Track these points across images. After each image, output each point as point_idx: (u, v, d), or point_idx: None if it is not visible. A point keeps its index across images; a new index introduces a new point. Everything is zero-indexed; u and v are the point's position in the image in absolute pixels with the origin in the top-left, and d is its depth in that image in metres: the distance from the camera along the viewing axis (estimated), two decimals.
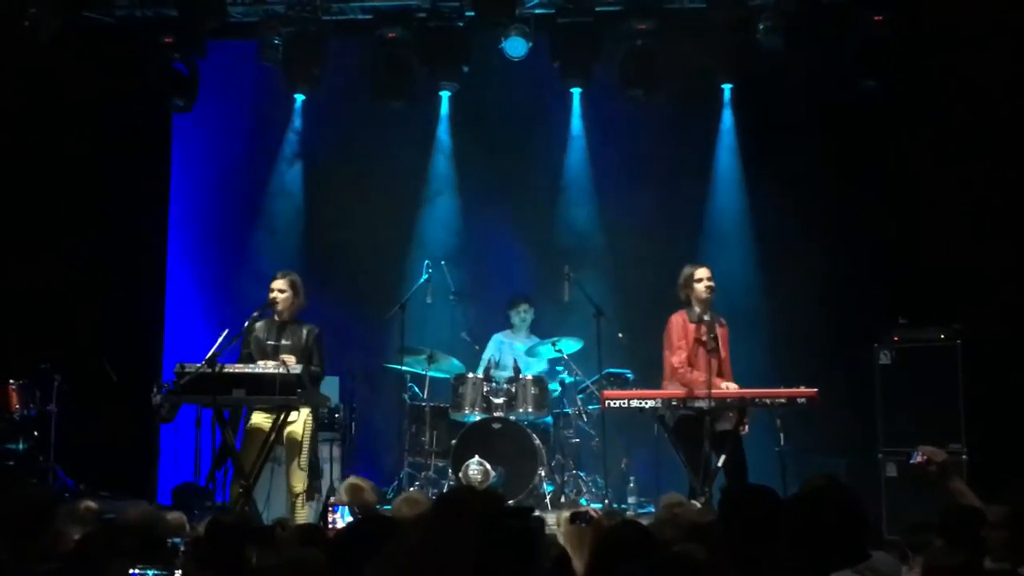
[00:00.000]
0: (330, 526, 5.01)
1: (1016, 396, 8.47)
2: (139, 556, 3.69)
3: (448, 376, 9.57)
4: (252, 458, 7.44)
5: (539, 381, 9.27)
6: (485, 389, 9.20)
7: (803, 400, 7.49)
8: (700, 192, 10.51)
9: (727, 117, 10.48)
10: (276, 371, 7.38)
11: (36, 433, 9.30)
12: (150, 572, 3.28)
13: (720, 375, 7.71)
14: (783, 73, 10.00)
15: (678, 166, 10.36)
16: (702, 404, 7.46)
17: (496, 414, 9.09)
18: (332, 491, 8.11)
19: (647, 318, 9.27)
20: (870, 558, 3.48)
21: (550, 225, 10.72)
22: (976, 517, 4.34)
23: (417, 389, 9.60)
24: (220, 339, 7.35)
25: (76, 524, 4.64)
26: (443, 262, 9.82)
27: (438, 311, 9.92)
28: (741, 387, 7.77)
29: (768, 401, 7.55)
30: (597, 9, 10.03)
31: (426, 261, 9.63)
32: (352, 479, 6.60)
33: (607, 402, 7.90)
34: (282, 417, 7.46)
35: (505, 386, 9.21)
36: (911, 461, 5.09)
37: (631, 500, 9.13)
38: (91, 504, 5.47)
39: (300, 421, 7.69)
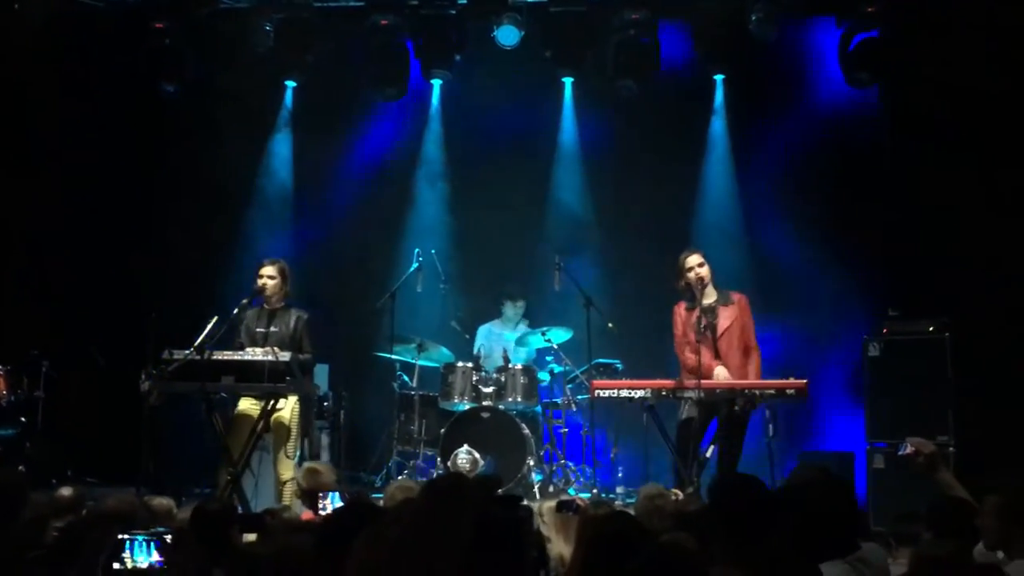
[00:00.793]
0: (320, 512, 5.01)
1: (1004, 389, 8.50)
2: (125, 527, 3.67)
3: (437, 365, 9.56)
4: (240, 445, 7.41)
5: (528, 370, 9.27)
6: (474, 378, 9.20)
7: (792, 391, 7.49)
8: (691, 182, 10.50)
9: (719, 107, 10.47)
10: (265, 358, 7.35)
11: (23, 419, 9.26)
12: (140, 537, 3.26)
13: (722, 356, 7.70)
14: (775, 63, 10.00)
15: (670, 156, 10.35)
16: (691, 394, 7.46)
17: (485, 403, 9.09)
18: None
19: (637, 308, 9.30)
20: (860, 549, 3.49)
21: (541, 214, 10.71)
22: (965, 509, 4.35)
23: (407, 378, 9.59)
24: (209, 326, 7.33)
25: (58, 511, 4.63)
26: (433, 251, 9.81)
27: (428, 300, 9.90)
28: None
29: (758, 392, 7.54)
30: None
31: (416, 250, 9.61)
32: (308, 464, 6.62)
33: (596, 391, 7.90)
34: (270, 404, 7.43)
35: (494, 375, 9.21)
36: (900, 453, 5.09)
37: (619, 489, 9.15)
38: (73, 490, 5.45)
39: (288, 408, 7.67)
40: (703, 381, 7.43)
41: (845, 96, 9.94)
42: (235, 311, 7.66)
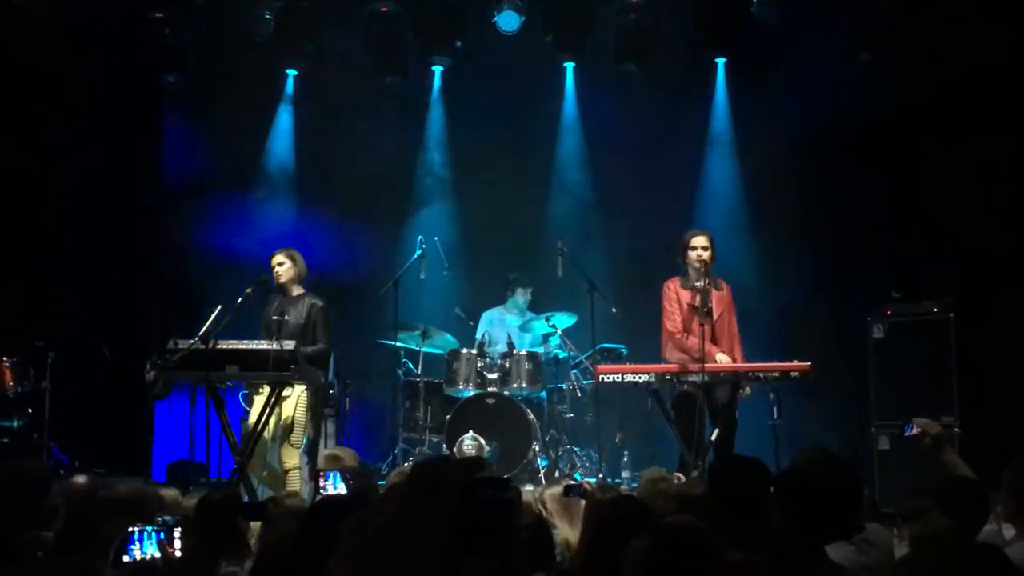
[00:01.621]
0: (321, 492, 5.01)
1: (1008, 369, 8.50)
2: (135, 518, 3.69)
3: (442, 352, 9.57)
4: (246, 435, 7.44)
5: (533, 356, 9.28)
6: (479, 364, 9.21)
7: (796, 374, 7.48)
8: (694, 166, 10.50)
9: (720, 91, 10.45)
10: (270, 347, 7.37)
11: (30, 410, 9.27)
12: (148, 528, 3.28)
13: (716, 341, 7.70)
14: (777, 46, 9.97)
15: (672, 140, 10.35)
16: (695, 378, 7.46)
17: (490, 389, 9.09)
18: None
19: (641, 292, 9.29)
20: (864, 530, 3.49)
21: (544, 200, 10.72)
22: (972, 488, 4.36)
23: (411, 365, 9.61)
24: (214, 315, 7.35)
25: (69, 501, 4.64)
26: (436, 238, 9.81)
27: (432, 287, 9.91)
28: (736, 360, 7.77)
29: (761, 375, 7.55)
30: None
31: (419, 237, 9.61)
32: (328, 450, 6.62)
33: (601, 376, 7.91)
34: (276, 393, 7.44)
35: (499, 361, 9.21)
36: (905, 434, 5.09)
37: (625, 474, 9.15)
38: (85, 480, 5.47)
39: (294, 397, 7.69)
40: (707, 365, 7.42)
41: (846, 77, 9.91)
42: (239, 300, 7.67)
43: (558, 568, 3.93)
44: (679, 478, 5.47)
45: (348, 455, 6.42)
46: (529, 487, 8.38)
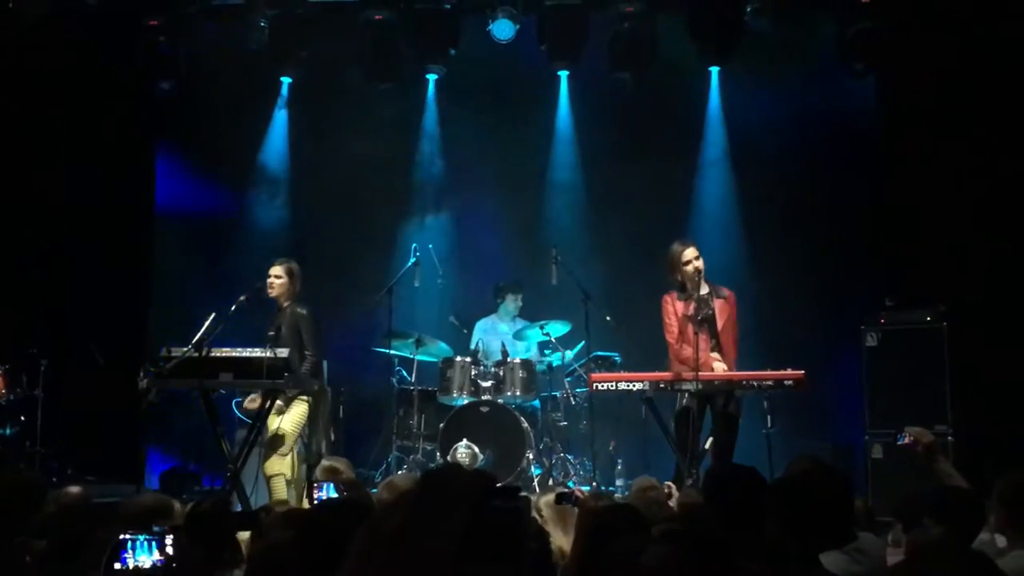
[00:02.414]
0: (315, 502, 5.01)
1: (1001, 378, 8.51)
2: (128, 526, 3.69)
3: (436, 360, 9.56)
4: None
5: (527, 364, 9.27)
6: (473, 372, 9.21)
7: (790, 382, 7.48)
8: (688, 175, 10.51)
9: (714, 99, 10.46)
10: (263, 355, 7.36)
11: (23, 418, 9.26)
12: (141, 537, 3.27)
13: (716, 350, 7.70)
14: (770, 56, 10.00)
15: (666, 149, 10.35)
16: (689, 387, 7.47)
17: (484, 397, 9.10)
18: None
19: (635, 301, 9.29)
20: (857, 539, 3.50)
21: (538, 208, 10.72)
22: (966, 498, 4.36)
23: (405, 373, 9.60)
24: (207, 323, 7.34)
25: (62, 510, 4.64)
26: (430, 245, 9.81)
27: (426, 295, 9.91)
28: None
29: (755, 383, 7.53)
30: None
31: (413, 244, 9.60)
32: (325, 462, 6.61)
33: (595, 385, 7.90)
34: (269, 401, 7.44)
35: (493, 369, 9.21)
36: (899, 442, 5.11)
37: (619, 483, 9.14)
38: (78, 490, 5.46)
39: (291, 408, 7.70)
40: (701, 373, 7.42)
41: (840, 87, 9.94)
42: (232, 308, 7.67)
43: None
44: (670, 487, 5.47)
45: (344, 465, 6.42)
46: (523, 495, 8.41)
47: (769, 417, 7.63)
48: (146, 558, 3.24)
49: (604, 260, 10.20)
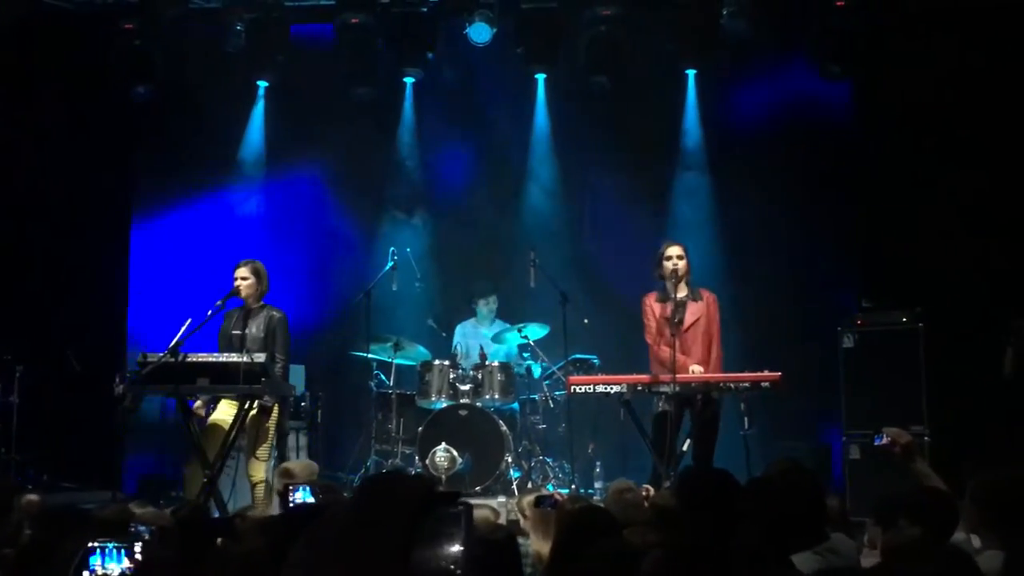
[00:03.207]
0: (290, 504, 4.98)
1: (977, 379, 8.54)
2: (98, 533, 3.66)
3: (414, 363, 9.55)
4: (215, 448, 7.38)
5: (505, 367, 9.27)
6: (451, 376, 9.19)
7: (767, 384, 7.50)
8: (665, 178, 10.51)
9: (691, 102, 10.47)
10: (240, 359, 7.32)
11: None
12: (110, 544, 3.24)
13: (686, 352, 7.69)
14: (747, 58, 10.04)
15: (643, 151, 10.37)
16: (667, 389, 7.48)
17: (463, 401, 9.08)
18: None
19: (613, 303, 9.31)
20: (829, 539, 3.51)
21: (515, 211, 10.72)
22: (941, 498, 4.38)
23: (383, 377, 9.58)
24: (183, 328, 7.30)
25: (25, 517, 4.61)
26: (408, 249, 9.79)
27: (404, 298, 9.89)
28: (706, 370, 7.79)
29: (732, 385, 7.56)
30: None
31: (391, 248, 9.58)
32: (282, 465, 6.59)
33: (573, 387, 7.91)
34: (246, 406, 7.40)
35: (471, 373, 9.20)
36: (876, 443, 5.12)
37: (597, 485, 9.13)
38: (34, 497, 5.43)
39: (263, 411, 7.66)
40: (678, 376, 7.43)
41: (817, 90, 9.98)
42: (208, 313, 7.63)
43: None
44: (647, 490, 5.48)
45: (301, 469, 6.38)
46: (502, 498, 8.40)
47: (746, 419, 7.63)
48: (115, 566, 3.22)
49: (582, 262, 10.21)
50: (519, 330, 9.36)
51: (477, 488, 8.68)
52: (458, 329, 9.99)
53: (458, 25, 10.07)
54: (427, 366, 9.31)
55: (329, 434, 9.81)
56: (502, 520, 5.37)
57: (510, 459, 8.95)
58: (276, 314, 7.91)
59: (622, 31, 9.98)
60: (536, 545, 4.66)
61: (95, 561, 3.19)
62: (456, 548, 2.10)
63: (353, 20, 10.09)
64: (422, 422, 9.06)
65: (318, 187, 10.66)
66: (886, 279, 9.28)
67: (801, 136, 9.99)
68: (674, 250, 7.84)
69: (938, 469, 4.92)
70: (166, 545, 4.12)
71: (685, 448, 7.54)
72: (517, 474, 8.99)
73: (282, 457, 7.98)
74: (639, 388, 7.64)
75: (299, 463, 6.26)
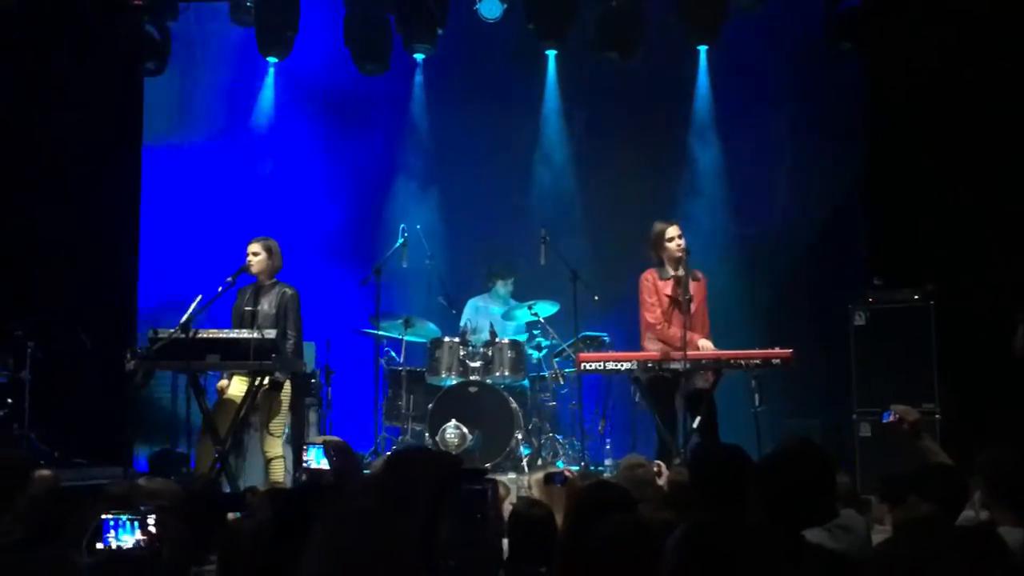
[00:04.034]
0: (303, 464, 4.98)
1: (988, 357, 8.52)
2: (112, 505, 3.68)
3: (424, 340, 9.55)
4: (226, 424, 7.40)
5: (515, 344, 9.27)
6: (462, 353, 9.19)
7: (778, 361, 7.50)
8: (676, 153, 10.50)
9: (703, 78, 10.44)
10: (251, 336, 7.33)
11: (10, 400, 9.23)
12: (123, 516, 3.26)
13: (692, 330, 7.69)
14: (758, 34, 9.98)
15: (654, 128, 10.35)
16: (677, 366, 7.47)
17: (473, 378, 9.09)
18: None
19: (623, 280, 9.28)
20: (839, 516, 3.51)
21: (526, 187, 10.72)
22: (950, 475, 4.38)
23: (394, 353, 9.59)
24: (194, 304, 7.30)
25: (36, 493, 4.64)
26: (418, 226, 9.79)
27: (414, 275, 9.89)
28: (716, 347, 7.78)
29: (743, 362, 7.55)
30: None
31: (402, 225, 9.56)
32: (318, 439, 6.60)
33: (583, 364, 7.91)
34: (257, 382, 7.41)
35: (482, 350, 9.20)
36: (883, 420, 5.14)
37: (608, 462, 9.16)
38: (47, 472, 5.46)
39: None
40: (689, 352, 7.43)
41: (827, 66, 9.93)
42: (219, 289, 7.64)
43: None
44: (659, 465, 5.48)
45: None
46: (512, 475, 8.42)
47: (757, 396, 7.63)
48: (129, 538, 3.24)
49: (592, 240, 10.20)
50: (529, 307, 9.35)
51: (487, 465, 8.70)
52: (469, 304, 9.98)
53: (469, 1, 10.03)
54: (437, 343, 9.32)
55: (339, 411, 9.83)
56: (512, 498, 5.37)
57: (520, 436, 8.96)
58: (288, 291, 7.93)
59: (633, 7, 9.94)
60: None
61: (109, 533, 3.21)
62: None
63: None
64: (432, 399, 9.07)
65: (328, 163, 10.64)
66: (897, 257, 9.24)
67: (811, 113, 9.96)
68: (675, 230, 7.84)
69: (949, 447, 4.93)
70: (177, 517, 4.13)
71: (695, 425, 7.53)
72: (527, 451, 9.01)
73: (299, 434, 8.00)
74: (650, 365, 7.63)
75: (333, 438, 6.23)
